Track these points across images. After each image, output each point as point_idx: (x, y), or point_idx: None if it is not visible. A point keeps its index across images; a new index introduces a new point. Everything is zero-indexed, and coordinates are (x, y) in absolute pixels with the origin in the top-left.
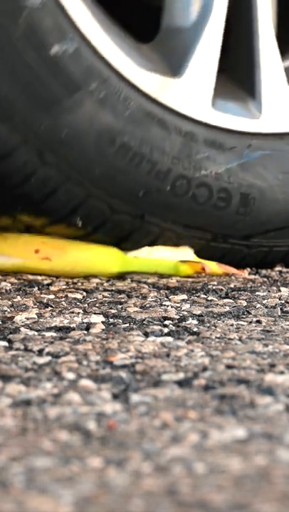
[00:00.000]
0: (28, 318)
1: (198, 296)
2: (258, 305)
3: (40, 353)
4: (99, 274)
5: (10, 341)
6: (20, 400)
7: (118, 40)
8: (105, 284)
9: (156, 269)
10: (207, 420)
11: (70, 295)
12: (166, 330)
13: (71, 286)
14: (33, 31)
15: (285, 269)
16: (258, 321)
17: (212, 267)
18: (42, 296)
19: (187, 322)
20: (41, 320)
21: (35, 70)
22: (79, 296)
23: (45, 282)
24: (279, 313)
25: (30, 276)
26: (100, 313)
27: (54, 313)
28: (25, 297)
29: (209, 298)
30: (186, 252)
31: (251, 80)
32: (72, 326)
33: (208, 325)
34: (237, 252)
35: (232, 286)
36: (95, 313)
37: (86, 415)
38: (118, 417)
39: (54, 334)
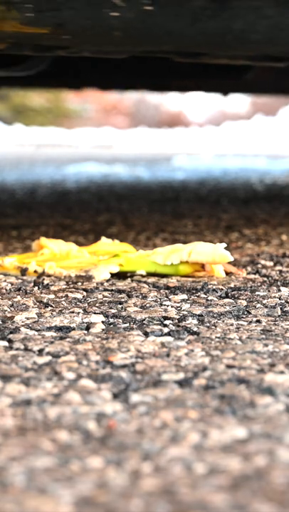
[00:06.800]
0: (28, 318)
1: (198, 296)
2: (258, 305)
3: (40, 352)
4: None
5: (10, 341)
6: (21, 400)
7: None
8: (105, 284)
9: (156, 269)
10: (207, 420)
11: (70, 295)
12: (166, 330)
13: (71, 286)
14: None
15: (285, 269)
16: (258, 321)
17: (216, 270)
18: (42, 296)
19: (187, 322)
20: (41, 320)
21: None
22: (79, 295)
23: (45, 282)
24: (279, 313)
25: (30, 277)
26: (100, 313)
27: (54, 313)
28: (25, 297)
29: (209, 298)
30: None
31: None
32: (72, 325)
33: (208, 325)
34: None
35: (232, 286)
36: (95, 313)
37: (86, 415)
38: (118, 417)
39: (54, 334)
